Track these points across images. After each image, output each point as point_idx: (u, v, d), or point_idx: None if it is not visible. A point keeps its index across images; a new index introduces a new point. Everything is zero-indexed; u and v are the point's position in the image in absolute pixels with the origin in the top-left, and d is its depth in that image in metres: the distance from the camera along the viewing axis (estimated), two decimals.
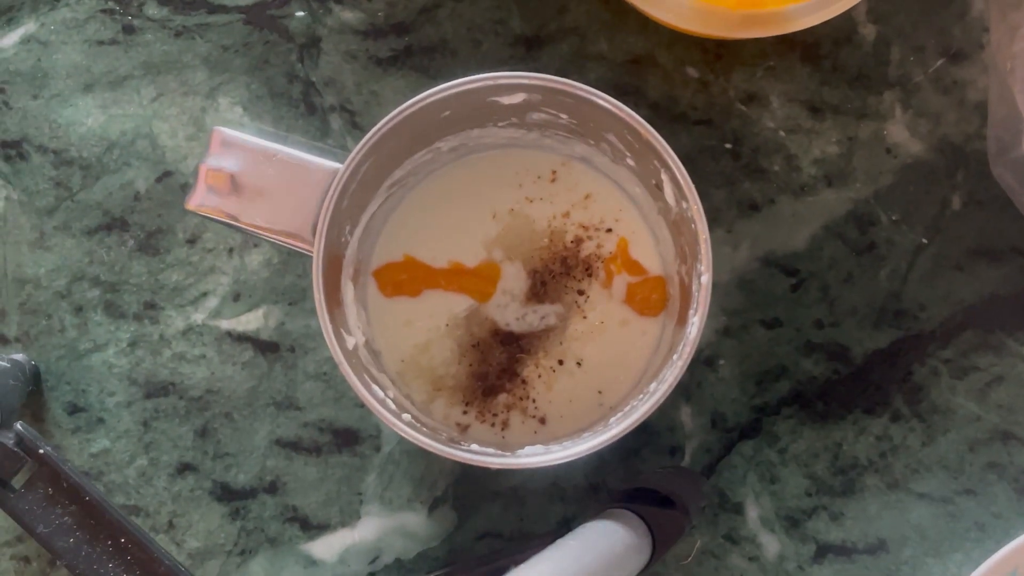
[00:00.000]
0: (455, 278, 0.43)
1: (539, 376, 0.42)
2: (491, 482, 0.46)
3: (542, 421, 0.42)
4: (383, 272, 0.43)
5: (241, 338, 0.46)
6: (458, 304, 0.43)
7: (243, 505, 0.46)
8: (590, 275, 0.43)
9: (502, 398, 0.42)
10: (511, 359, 0.42)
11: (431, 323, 0.43)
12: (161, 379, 0.46)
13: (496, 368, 0.42)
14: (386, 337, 0.43)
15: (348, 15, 0.47)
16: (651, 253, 0.43)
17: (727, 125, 0.46)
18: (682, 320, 0.39)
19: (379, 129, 0.37)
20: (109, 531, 0.42)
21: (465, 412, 0.42)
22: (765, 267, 0.46)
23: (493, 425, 0.42)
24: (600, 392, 0.42)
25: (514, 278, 0.43)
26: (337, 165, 0.37)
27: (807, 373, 0.46)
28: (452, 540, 0.46)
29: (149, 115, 0.47)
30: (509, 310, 0.43)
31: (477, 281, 0.43)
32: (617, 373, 0.42)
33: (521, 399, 0.42)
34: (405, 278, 0.43)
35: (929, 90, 0.46)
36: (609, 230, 0.43)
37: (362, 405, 0.45)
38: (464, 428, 0.42)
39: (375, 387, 0.38)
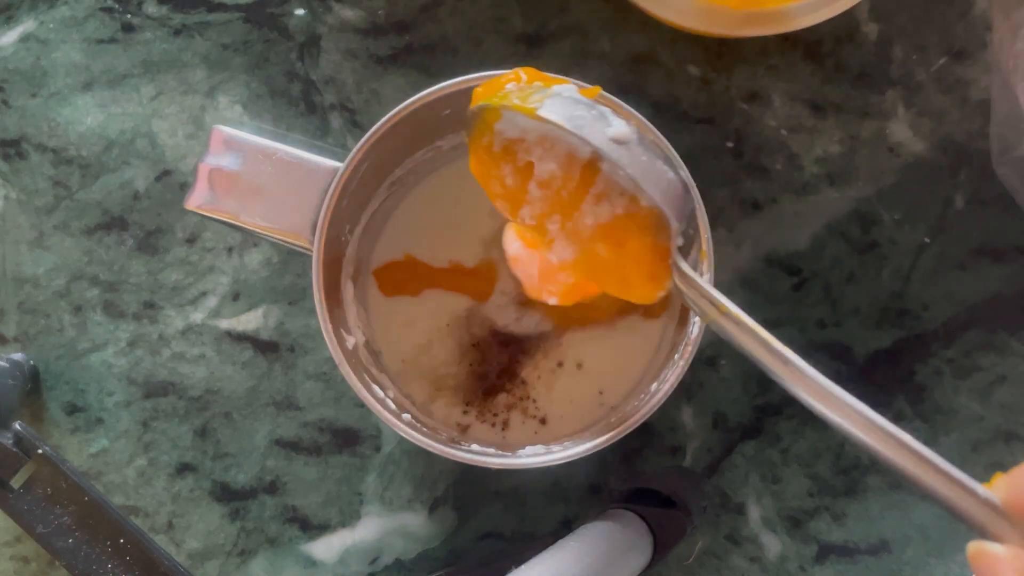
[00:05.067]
0: (455, 278, 0.42)
1: (539, 377, 0.42)
2: (492, 482, 0.46)
3: (542, 421, 0.42)
4: (383, 271, 0.43)
5: (240, 338, 0.46)
6: (459, 304, 0.43)
7: (243, 505, 0.46)
8: None
9: (502, 398, 0.42)
10: (511, 360, 0.42)
11: (432, 323, 0.43)
12: (160, 379, 0.46)
13: (496, 368, 0.42)
14: (387, 337, 0.42)
15: (348, 13, 0.47)
16: None
17: (729, 124, 0.46)
18: (684, 320, 0.39)
19: (379, 127, 0.37)
20: (108, 531, 0.42)
21: (465, 412, 0.42)
22: (767, 266, 0.46)
23: (493, 425, 0.42)
24: (601, 393, 0.42)
25: (512, 278, 0.43)
26: (337, 164, 0.37)
27: None
28: (453, 540, 0.46)
29: (148, 114, 0.47)
30: (508, 311, 0.42)
31: (476, 281, 0.42)
32: (618, 374, 0.42)
33: (521, 399, 0.42)
34: (406, 277, 0.43)
35: (932, 89, 0.46)
36: None
37: (362, 405, 0.45)
38: (464, 428, 0.42)
39: (375, 387, 0.38)
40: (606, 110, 0.32)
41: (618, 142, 0.31)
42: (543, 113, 0.31)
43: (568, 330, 0.42)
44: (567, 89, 0.33)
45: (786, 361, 0.27)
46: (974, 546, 0.25)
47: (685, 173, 0.36)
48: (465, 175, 0.43)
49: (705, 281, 0.30)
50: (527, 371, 0.42)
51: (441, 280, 0.42)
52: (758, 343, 0.28)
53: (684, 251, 0.32)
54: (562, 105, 0.31)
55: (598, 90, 0.34)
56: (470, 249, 0.43)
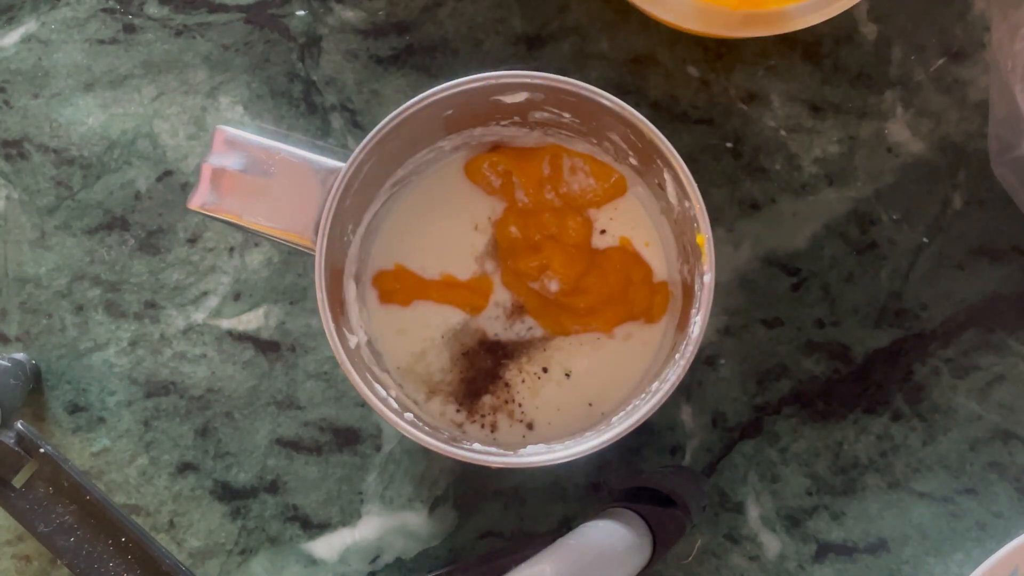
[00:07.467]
0: (447, 291, 0.42)
1: (523, 381, 0.42)
2: (492, 481, 0.46)
3: (529, 426, 0.42)
4: (376, 279, 0.43)
5: (242, 337, 0.46)
6: (453, 316, 0.42)
7: (244, 504, 0.46)
8: None
9: (487, 399, 0.42)
10: (496, 363, 0.42)
11: (426, 333, 0.42)
12: (162, 378, 0.46)
13: (482, 372, 0.42)
14: (383, 342, 0.42)
15: (349, 14, 0.47)
16: (653, 253, 0.42)
17: (728, 124, 0.46)
18: (684, 321, 0.39)
19: (382, 127, 0.37)
20: (110, 530, 0.42)
21: (458, 411, 0.42)
22: (766, 266, 0.46)
23: (483, 427, 0.42)
24: (591, 405, 0.42)
25: (507, 291, 0.42)
26: (340, 164, 0.37)
27: (808, 372, 0.46)
28: (453, 539, 0.46)
29: (150, 114, 0.47)
30: (501, 321, 0.42)
31: (470, 295, 0.42)
32: (611, 384, 0.42)
33: (506, 402, 0.42)
34: (396, 287, 0.42)
35: (930, 89, 0.46)
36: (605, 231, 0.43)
37: (363, 404, 0.45)
38: (460, 426, 0.42)
39: (377, 386, 0.38)
40: None
41: None
42: None
43: (555, 337, 0.42)
44: None
45: None
46: None
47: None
48: (459, 182, 0.43)
49: None
50: (511, 374, 0.42)
51: (433, 292, 0.42)
52: None
53: None
54: None
55: None
56: (462, 260, 0.42)
